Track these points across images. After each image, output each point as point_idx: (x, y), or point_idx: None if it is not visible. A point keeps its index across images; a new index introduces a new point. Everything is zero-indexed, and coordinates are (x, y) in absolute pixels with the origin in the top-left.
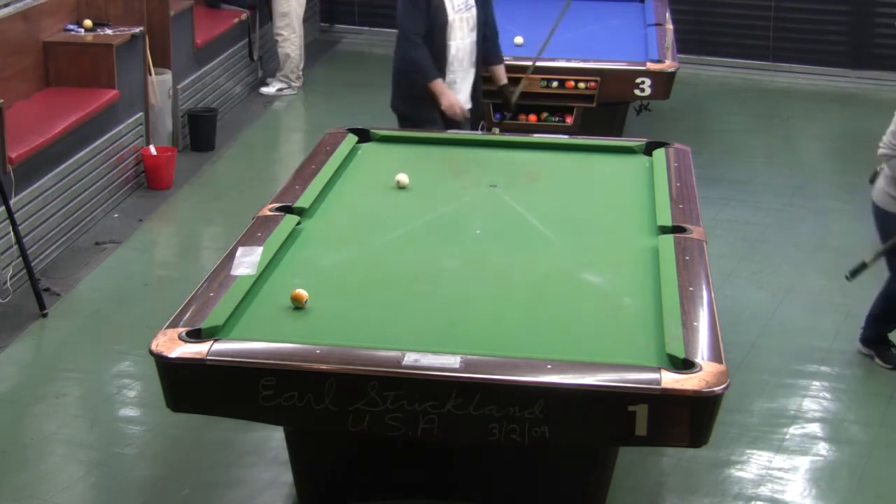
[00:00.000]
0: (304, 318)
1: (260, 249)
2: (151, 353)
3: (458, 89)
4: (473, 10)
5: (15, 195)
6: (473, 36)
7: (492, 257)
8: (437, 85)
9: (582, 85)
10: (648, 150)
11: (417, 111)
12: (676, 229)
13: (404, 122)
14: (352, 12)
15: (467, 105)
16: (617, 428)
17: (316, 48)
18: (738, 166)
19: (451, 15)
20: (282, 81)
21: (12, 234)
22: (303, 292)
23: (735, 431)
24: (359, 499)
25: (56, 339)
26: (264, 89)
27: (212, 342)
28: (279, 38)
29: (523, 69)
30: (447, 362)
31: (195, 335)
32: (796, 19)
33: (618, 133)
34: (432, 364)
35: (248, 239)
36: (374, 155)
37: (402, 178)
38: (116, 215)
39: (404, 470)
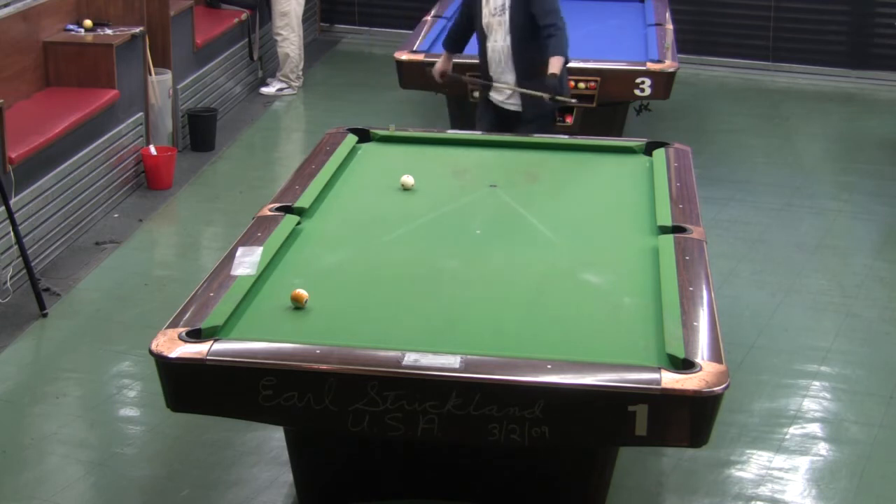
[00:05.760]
0: (304, 318)
1: (260, 249)
2: (151, 353)
3: (498, 86)
4: (507, 14)
5: (15, 195)
6: (508, 40)
7: (492, 257)
8: (443, 55)
9: (582, 85)
10: (648, 150)
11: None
12: (676, 229)
13: None
14: (352, 12)
15: (510, 101)
16: (617, 428)
17: (316, 48)
18: (738, 166)
19: (487, 18)
20: (281, 81)
21: (12, 234)
22: (303, 292)
23: (735, 431)
24: (359, 499)
25: (56, 339)
26: (264, 89)
27: (212, 342)
28: (278, 38)
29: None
30: (447, 362)
31: (195, 335)
32: (796, 19)
33: (618, 133)
34: (432, 364)
35: (248, 239)
36: (374, 155)
37: (408, 179)
38: (116, 215)
39: (404, 470)
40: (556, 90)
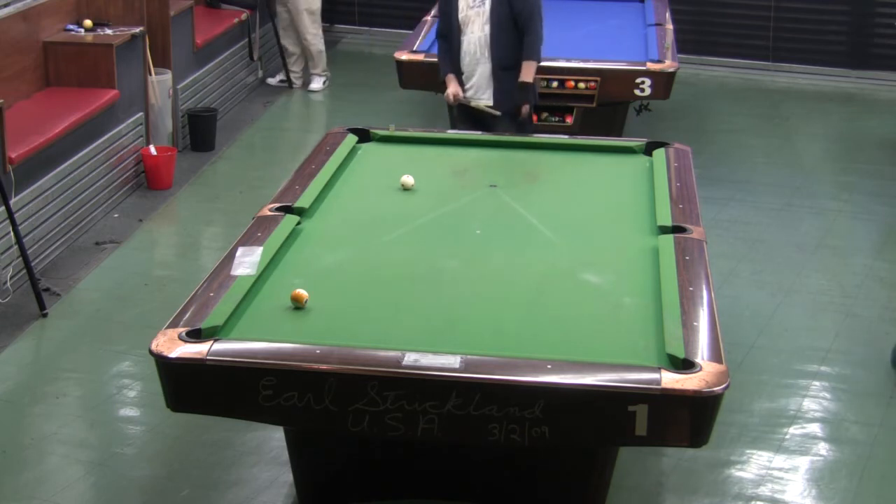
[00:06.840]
0: (304, 318)
1: (260, 249)
2: (151, 353)
3: (470, 83)
4: (486, 5)
5: (15, 195)
6: (487, 30)
7: (492, 257)
8: (446, 78)
9: (582, 85)
10: (648, 150)
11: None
12: (676, 229)
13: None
14: (352, 12)
15: (480, 95)
16: (617, 428)
17: None
18: (738, 166)
19: (465, 12)
20: (322, 76)
21: (12, 234)
22: (303, 292)
23: (735, 431)
24: (359, 499)
25: (56, 339)
26: (313, 85)
27: (212, 342)
28: (309, 36)
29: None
30: (447, 362)
31: (195, 335)
32: (796, 19)
33: (618, 133)
34: (432, 364)
35: (248, 239)
36: (373, 155)
37: (408, 179)
38: (116, 215)
39: (404, 470)
40: (524, 96)
